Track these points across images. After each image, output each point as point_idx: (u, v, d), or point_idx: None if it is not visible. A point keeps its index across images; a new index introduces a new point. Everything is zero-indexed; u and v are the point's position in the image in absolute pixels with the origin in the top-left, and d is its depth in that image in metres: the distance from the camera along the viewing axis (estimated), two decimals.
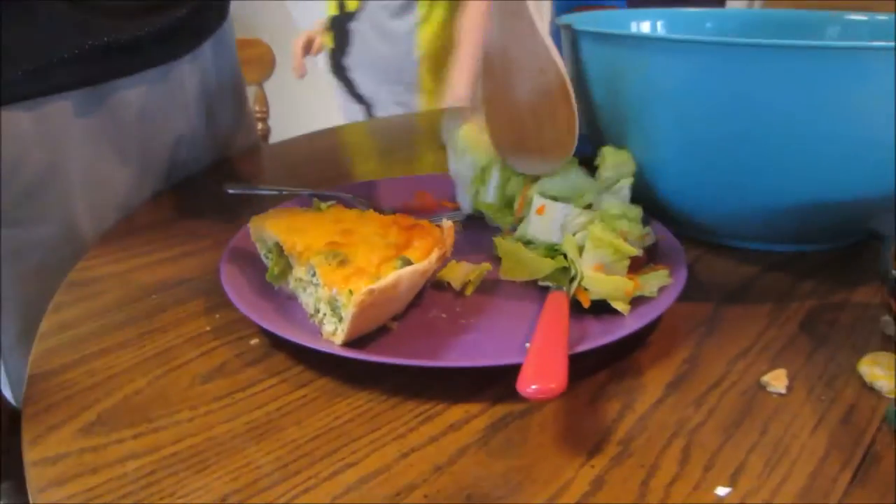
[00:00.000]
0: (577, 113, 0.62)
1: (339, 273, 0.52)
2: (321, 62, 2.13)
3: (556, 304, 0.55)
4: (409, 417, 0.47)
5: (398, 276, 0.51)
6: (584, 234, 0.60)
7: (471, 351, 0.53)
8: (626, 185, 0.67)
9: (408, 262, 0.54)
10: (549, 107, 0.63)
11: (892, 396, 0.49)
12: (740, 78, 0.59)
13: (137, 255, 0.70)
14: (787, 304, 0.61)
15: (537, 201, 0.65)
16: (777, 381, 0.50)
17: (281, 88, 2.32)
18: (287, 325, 0.54)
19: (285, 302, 0.59)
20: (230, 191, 0.82)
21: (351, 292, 0.50)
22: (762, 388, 0.50)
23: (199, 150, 0.97)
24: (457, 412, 0.48)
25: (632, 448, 0.44)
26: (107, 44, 0.77)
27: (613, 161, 0.67)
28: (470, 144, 0.73)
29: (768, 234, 0.70)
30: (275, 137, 1.94)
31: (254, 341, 0.55)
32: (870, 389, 0.50)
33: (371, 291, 0.49)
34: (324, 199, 0.67)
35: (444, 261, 0.60)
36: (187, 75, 0.92)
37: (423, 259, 0.55)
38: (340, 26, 1.97)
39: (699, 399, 0.49)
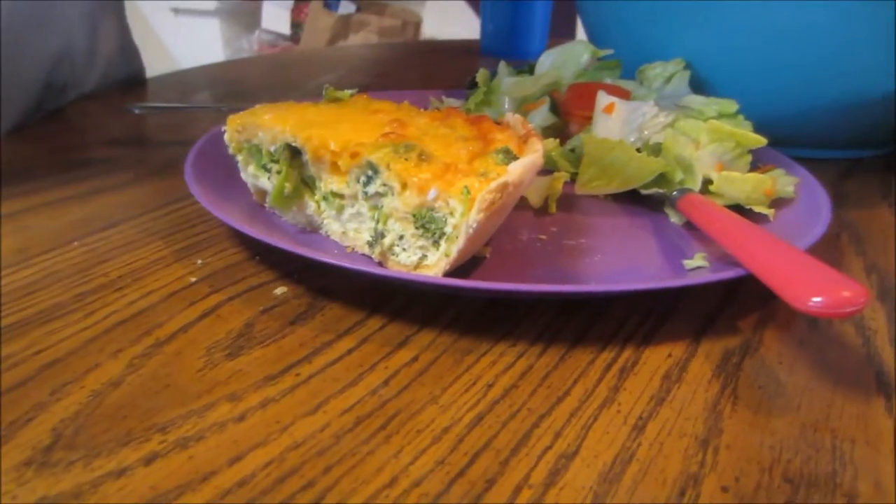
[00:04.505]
0: None
1: (424, 171, 0.35)
2: None
3: (714, 208, 0.41)
4: (597, 370, 0.32)
5: (524, 167, 0.35)
6: (674, 132, 0.47)
7: (614, 274, 0.39)
8: (683, 80, 0.56)
9: (511, 157, 0.37)
10: None
11: None
12: None
13: (20, 195, 0.48)
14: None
15: (604, 99, 0.52)
16: None
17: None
18: (343, 259, 0.35)
19: (296, 234, 0.42)
20: (137, 110, 0.63)
21: (468, 191, 0.33)
22: None
23: (80, 74, 0.76)
24: (654, 358, 0.33)
25: None
26: None
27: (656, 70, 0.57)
28: None
29: (827, 138, 0.60)
30: None
31: (280, 290, 0.36)
32: None
33: (504, 187, 0.33)
34: None
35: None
36: None
37: (522, 153, 0.38)
38: None
39: None
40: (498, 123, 0.43)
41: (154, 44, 2.91)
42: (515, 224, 0.43)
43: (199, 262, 0.39)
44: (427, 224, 0.35)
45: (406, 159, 0.36)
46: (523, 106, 0.59)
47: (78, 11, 0.74)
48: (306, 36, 2.86)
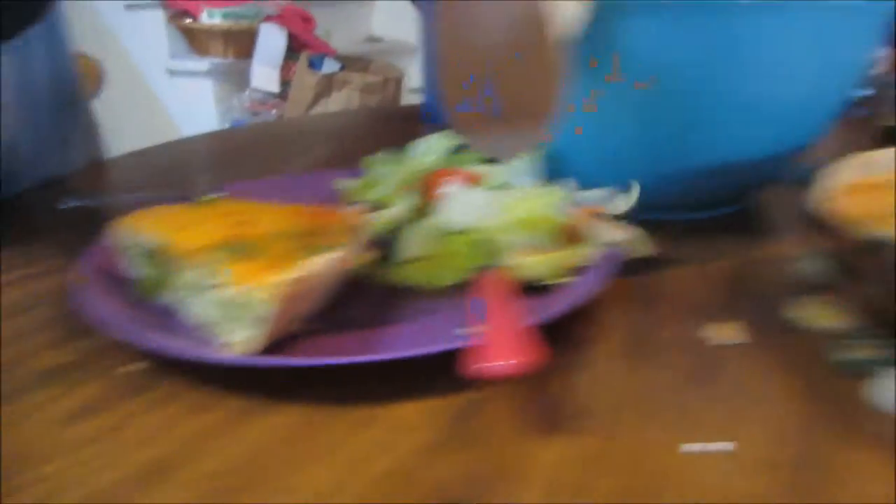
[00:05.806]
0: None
1: (247, 268, 0.45)
2: None
3: (495, 283, 0.50)
4: (347, 425, 0.40)
5: (317, 263, 0.46)
6: (509, 216, 0.55)
7: (405, 343, 0.46)
8: (535, 164, 0.61)
9: (326, 251, 0.47)
10: (531, 58, 0.52)
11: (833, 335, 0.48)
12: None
13: None
14: (711, 266, 0.60)
15: (445, 185, 0.59)
16: (723, 333, 0.49)
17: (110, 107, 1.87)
18: (175, 343, 0.45)
19: (163, 320, 0.49)
20: (63, 206, 0.68)
21: (271, 284, 0.43)
22: (709, 343, 0.48)
23: (17, 164, 0.79)
24: (402, 412, 0.41)
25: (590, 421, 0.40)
26: None
27: None
28: None
29: (674, 203, 0.68)
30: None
31: (133, 368, 0.45)
32: (806, 332, 0.49)
33: (295, 281, 0.43)
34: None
35: (362, 250, 0.53)
36: (5, 67, 0.74)
37: (340, 247, 0.49)
38: None
39: (650, 362, 0.47)
40: (343, 215, 0.53)
41: (153, 104, 3.10)
42: (349, 298, 0.52)
43: (79, 345, 0.48)
44: (246, 310, 0.44)
45: (234, 259, 0.45)
46: (402, 188, 0.66)
47: (16, 96, 0.78)
48: (293, 94, 3.01)
